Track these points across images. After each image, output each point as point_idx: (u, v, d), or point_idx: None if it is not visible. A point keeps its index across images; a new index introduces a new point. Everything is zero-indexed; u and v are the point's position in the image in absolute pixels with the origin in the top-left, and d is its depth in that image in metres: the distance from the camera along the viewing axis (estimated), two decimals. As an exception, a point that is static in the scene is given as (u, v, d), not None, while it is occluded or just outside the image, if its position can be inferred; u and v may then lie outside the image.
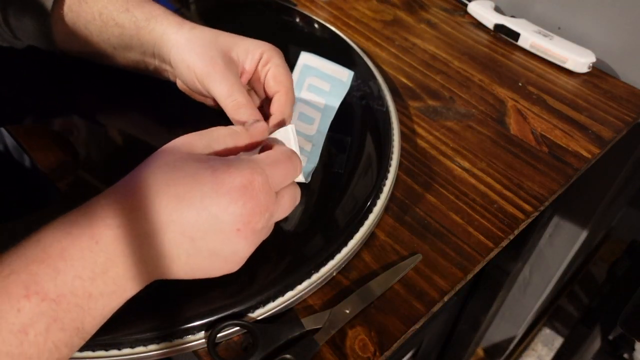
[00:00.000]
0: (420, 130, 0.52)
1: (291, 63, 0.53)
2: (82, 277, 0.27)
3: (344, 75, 0.52)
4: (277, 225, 0.36)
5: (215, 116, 0.48)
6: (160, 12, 0.43)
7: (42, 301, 0.26)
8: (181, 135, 0.33)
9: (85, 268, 0.27)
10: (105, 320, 0.29)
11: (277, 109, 0.41)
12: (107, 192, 0.30)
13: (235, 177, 0.30)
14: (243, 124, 0.37)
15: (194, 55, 0.40)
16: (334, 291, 0.38)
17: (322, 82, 0.51)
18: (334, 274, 0.39)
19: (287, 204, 0.35)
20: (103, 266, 0.28)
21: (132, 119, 0.48)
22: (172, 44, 0.41)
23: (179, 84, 0.45)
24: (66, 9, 0.43)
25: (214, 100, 0.44)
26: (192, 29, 0.42)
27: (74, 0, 0.43)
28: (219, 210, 0.30)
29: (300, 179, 0.41)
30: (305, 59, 0.53)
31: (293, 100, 0.42)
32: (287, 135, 0.39)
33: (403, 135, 0.51)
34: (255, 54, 0.42)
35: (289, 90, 0.42)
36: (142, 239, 0.29)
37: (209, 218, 0.30)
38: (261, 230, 0.32)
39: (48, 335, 0.26)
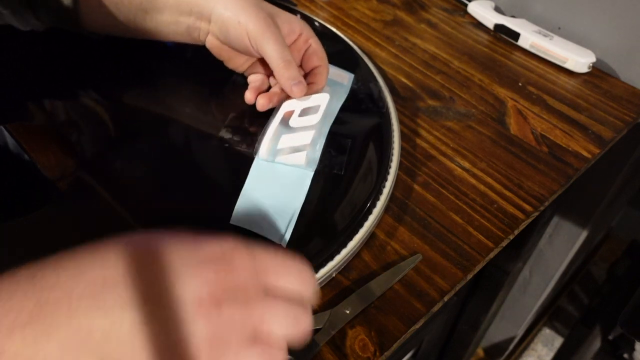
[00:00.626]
0: (420, 130, 0.52)
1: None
2: None
3: (345, 79, 0.52)
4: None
5: (215, 104, 0.48)
6: None
7: None
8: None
9: (8, 315, 0.21)
10: None
11: (318, 80, 0.47)
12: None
13: (214, 245, 0.26)
14: (287, 81, 0.43)
15: (247, 14, 0.43)
16: (334, 291, 0.38)
17: None
18: (334, 274, 0.39)
19: (281, 311, 0.26)
20: (29, 315, 0.21)
21: (134, 118, 0.48)
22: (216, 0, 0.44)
23: (210, 40, 0.47)
24: None
25: (239, 61, 0.48)
26: None
27: None
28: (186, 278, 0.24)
29: (302, 165, 0.43)
30: None
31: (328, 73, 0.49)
32: (321, 98, 0.44)
33: (403, 135, 0.50)
34: (296, 28, 0.46)
35: (327, 65, 0.48)
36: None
37: (169, 265, 0.24)
38: (228, 320, 0.24)
39: None
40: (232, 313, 0.24)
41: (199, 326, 0.23)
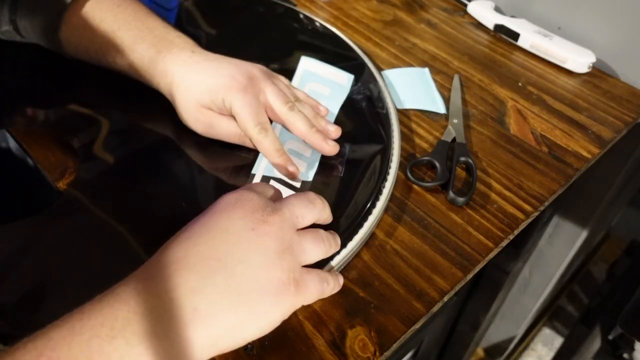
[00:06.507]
0: (420, 130, 0.52)
1: (291, 65, 0.53)
2: (100, 336, 0.25)
3: (344, 79, 0.52)
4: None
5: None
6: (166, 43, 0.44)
7: None
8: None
9: (104, 325, 0.26)
10: None
11: (293, 128, 0.44)
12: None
13: (226, 196, 0.33)
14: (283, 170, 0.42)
15: (202, 81, 0.42)
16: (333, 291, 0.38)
17: (322, 87, 0.51)
18: (334, 274, 0.39)
19: (310, 242, 0.34)
20: (124, 320, 0.26)
21: (133, 120, 0.48)
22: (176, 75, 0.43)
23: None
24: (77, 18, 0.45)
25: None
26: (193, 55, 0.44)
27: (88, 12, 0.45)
28: (226, 224, 0.31)
29: (305, 176, 0.42)
30: (306, 63, 0.53)
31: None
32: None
33: (403, 135, 0.50)
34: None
35: (287, 114, 0.44)
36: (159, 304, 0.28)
37: (220, 234, 0.30)
38: (276, 226, 0.32)
39: None
40: (271, 219, 0.32)
41: (268, 244, 0.31)
